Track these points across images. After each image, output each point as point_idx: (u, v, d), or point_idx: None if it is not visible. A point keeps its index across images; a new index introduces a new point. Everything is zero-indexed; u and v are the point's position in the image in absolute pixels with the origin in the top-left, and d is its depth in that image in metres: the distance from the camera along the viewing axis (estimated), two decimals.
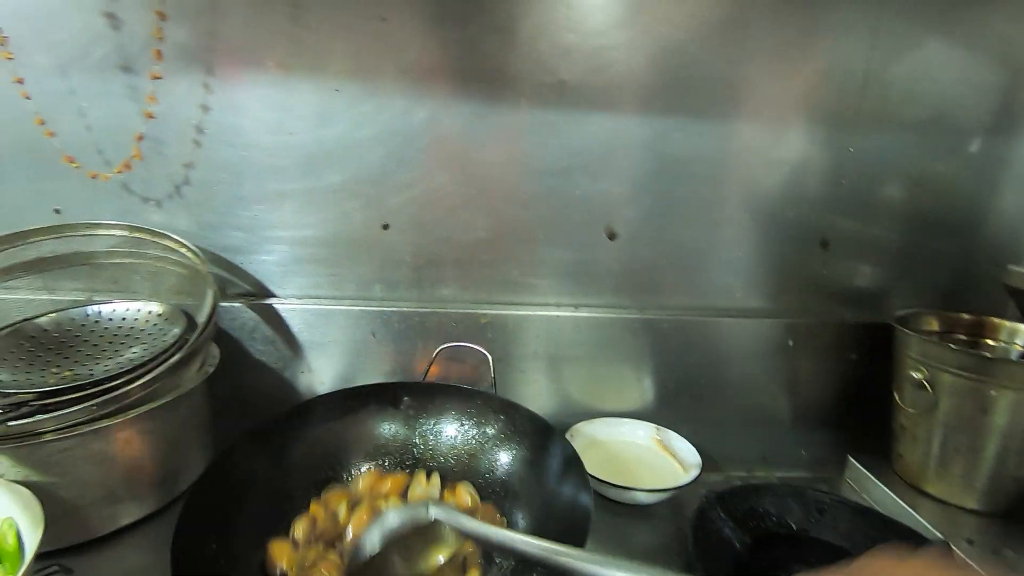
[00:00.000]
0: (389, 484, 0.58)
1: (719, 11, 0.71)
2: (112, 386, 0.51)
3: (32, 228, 0.65)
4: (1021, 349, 0.73)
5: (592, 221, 0.77)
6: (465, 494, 0.57)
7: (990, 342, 0.75)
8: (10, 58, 0.61)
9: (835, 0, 0.72)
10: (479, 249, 0.76)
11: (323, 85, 0.69)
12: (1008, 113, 0.78)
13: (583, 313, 0.78)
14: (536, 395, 0.79)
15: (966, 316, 0.77)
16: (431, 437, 0.63)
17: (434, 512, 0.43)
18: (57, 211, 0.70)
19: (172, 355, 0.56)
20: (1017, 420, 0.62)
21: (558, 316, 0.77)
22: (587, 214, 0.76)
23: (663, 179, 0.76)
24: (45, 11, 0.63)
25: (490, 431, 0.62)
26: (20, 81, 0.62)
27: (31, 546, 0.41)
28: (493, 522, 0.54)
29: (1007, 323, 0.75)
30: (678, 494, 0.66)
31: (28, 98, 0.63)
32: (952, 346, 0.65)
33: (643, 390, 0.81)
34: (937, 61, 0.75)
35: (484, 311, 0.76)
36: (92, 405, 0.49)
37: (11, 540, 0.43)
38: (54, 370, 0.59)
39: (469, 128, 0.72)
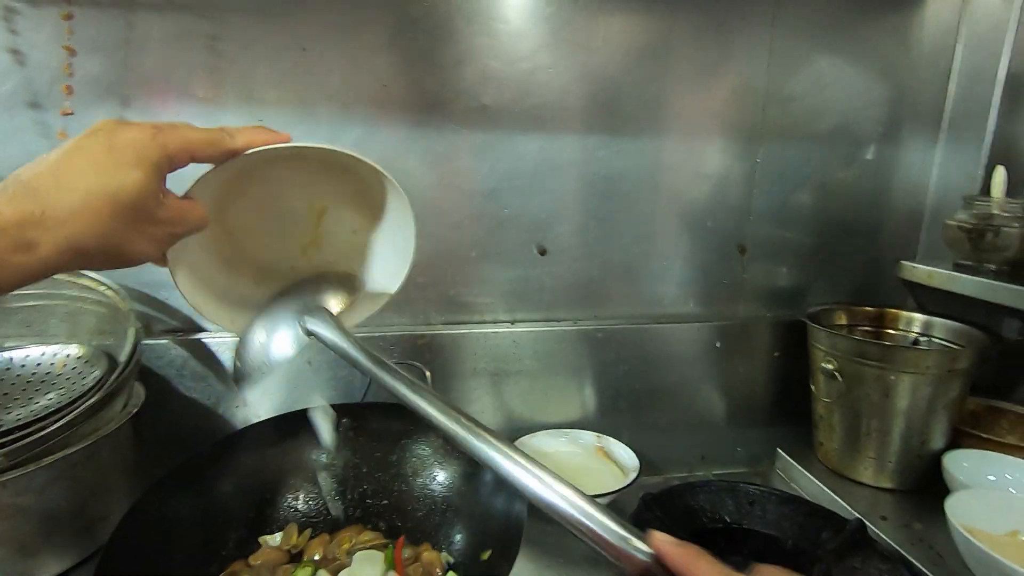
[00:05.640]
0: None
1: (636, 36, 0.75)
2: (22, 435, 0.49)
3: None
4: (917, 335, 0.79)
5: (523, 239, 0.79)
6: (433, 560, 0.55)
7: (891, 331, 0.82)
8: None
9: (736, 24, 0.78)
10: (413, 271, 0.76)
11: (246, 114, 0.69)
12: (895, 123, 0.86)
13: (520, 328, 0.80)
14: (480, 412, 0.79)
15: (869, 309, 0.83)
16: (370, 458, 0.63)
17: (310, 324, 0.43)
18: None
19: (89, 398, 0.54)
20: (916, 401, 0.68)
21: (496, 332, 0.79)
22: (518, 232, 0.78)
23: (590, 196, 0.79)
24: None
25: (427, 448, 0.62)
26: None
27: None
28: (434, 562, 0.54)
29: (904, 313, 0.81)
30: (617, 498, 0.68)
31: None
32: (855, 337, 0.70)
33: (584, 400, 0.83)
34: (828, 78, 0.82)
35: (421, 331, 0.76)
36: (0, 455, 0.47)
37: None
38: None
39: (398, 152, 0.73)
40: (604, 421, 0.82)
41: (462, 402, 0.78)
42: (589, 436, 0.79)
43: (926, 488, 0.71)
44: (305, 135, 0.70)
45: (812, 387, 0.76)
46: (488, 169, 0.76)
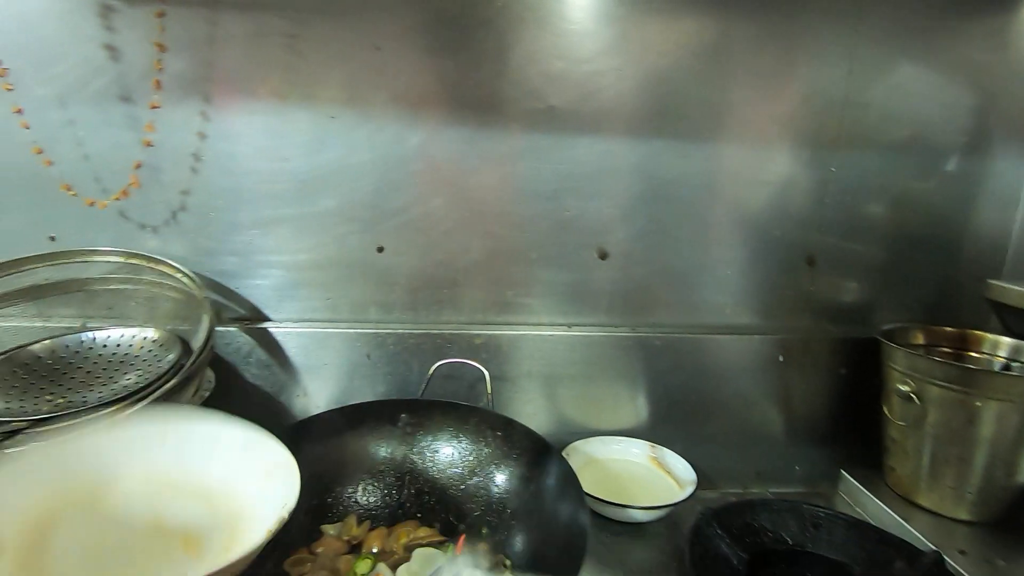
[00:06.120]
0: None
1: (704, 39, 0.73)
2: (106, 413, 0.51)
3: (27, 256, 0.65)
4: (1004, 360, 0.74)
5: (583, 242, 0.78)
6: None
7: (974, 354, 0.77)
8: (9, 89, 0.62)
9: (813, 29, 0.75)
10: (473, 271, 0.77)
11: (318, 112, 0.71)
12: (982, 133, 0.81)
13: (576, 332, 0.79)
14: (532, 414, 0.79)
15: (950, 329, 0.78)
16: (428, 454, 0.63)
17: None
18: (52, 238, 0.70)
19: (167, 381, 0.56)
20: (1003, 430, 0.63)
21: (552, 335, 0.78)
22: (578, 235, 0.78)
23: (653, 200, 0.78)
24: (46, 44, 0.64)
25: (487, 449, 0.62)
26: (19, 111, 0.63)
27: None
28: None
29: (989, 336, 0.76)
30: (674, 511, 0.67)
31: (27, 128, 0.64)
32: (937, 359, 0.66)
33: (637, 408, 0.81)
34: (912, 85, 0.77)
35: (478, 331, 0.77)
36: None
37: None
38: (48, 397, 0.59)
39: (462, 153, 0.74)
40: (657, 431, 0.80)
41: (514, 402, 0.78)
42: (642, 445, 0.78)
43: (1008, 522, 0.66)
44: (370, 135, 0.72)
45: (884, 409, 0.73)
46: (551, 171, 0.76)
